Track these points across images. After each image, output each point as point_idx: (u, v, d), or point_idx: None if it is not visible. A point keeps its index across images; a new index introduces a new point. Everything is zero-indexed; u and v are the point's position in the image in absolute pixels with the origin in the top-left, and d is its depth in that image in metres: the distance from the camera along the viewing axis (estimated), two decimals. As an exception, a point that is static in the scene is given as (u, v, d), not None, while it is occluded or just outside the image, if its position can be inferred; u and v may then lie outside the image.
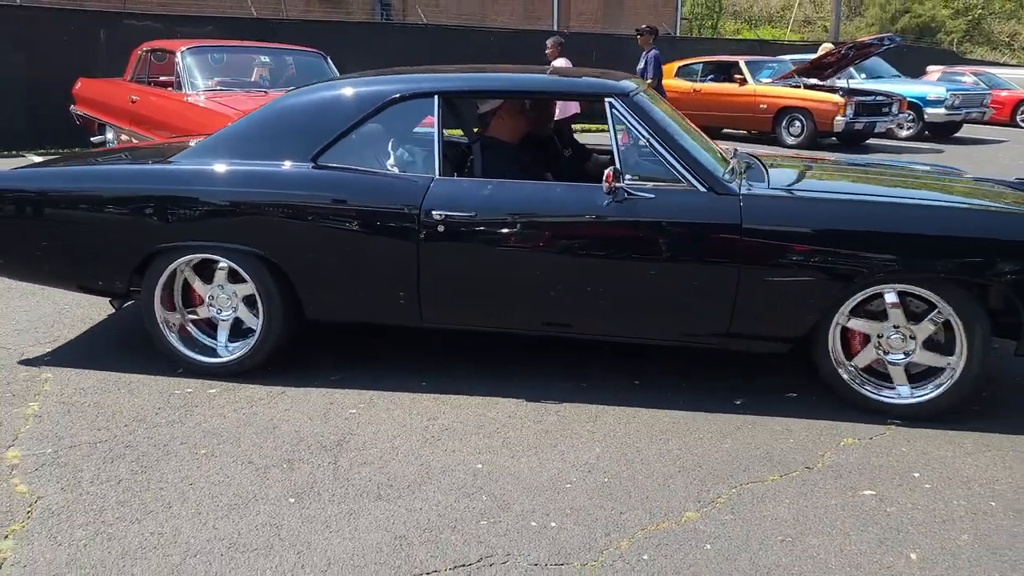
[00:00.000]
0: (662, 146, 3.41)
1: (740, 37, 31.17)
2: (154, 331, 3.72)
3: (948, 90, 14.87)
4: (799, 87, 13.27)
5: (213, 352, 3.73)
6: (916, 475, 2.94)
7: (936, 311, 3.24)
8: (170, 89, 7.65)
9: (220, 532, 2.53)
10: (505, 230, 3.43)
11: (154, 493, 2.74)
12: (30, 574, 2.31)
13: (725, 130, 14.58)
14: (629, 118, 3.45)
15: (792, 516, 2.67)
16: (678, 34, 24.81)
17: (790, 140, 13.07)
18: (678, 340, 3.57)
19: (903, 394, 3.36)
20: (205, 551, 2.43)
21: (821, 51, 13.47)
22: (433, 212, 3.41)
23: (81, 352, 3.95)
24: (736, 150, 4.32)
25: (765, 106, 13.37)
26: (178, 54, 7.60)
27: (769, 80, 13.82)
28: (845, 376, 3.39)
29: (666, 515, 2.66)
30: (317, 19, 16.62)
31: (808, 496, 2.79)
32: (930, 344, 3.32)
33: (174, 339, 3.71)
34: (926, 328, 3.28)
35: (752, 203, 3.32)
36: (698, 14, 35.49)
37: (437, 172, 3.51)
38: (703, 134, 4.09)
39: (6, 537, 2.48)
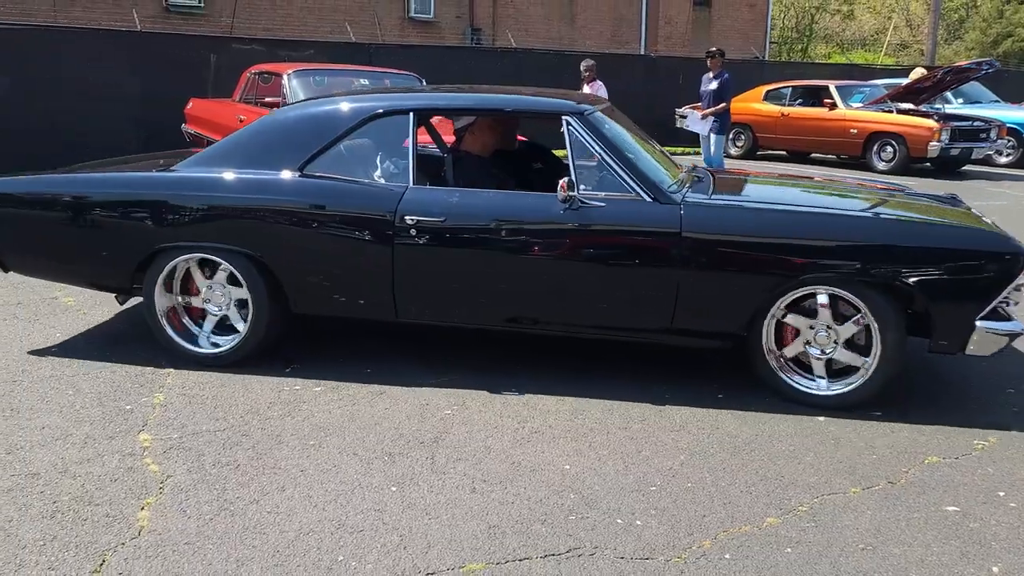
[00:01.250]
0: (612, 160, 3.74)
1: (831, 61, 30.68)
2: (154, 323, 4.08)
3: (1050, 116, 14.35)
4: (891, 112, 13.04)
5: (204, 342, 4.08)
6: (1001, 494, 2.96)
7: (860, 315, 3.54)
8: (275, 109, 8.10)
9: (329, 514, 2.75)
10: (470, 234, 3.76)
11: (269, 477, 2.99)
12: (165, 541, 2.57)
13: (813, 154, 14.43)
14: (584, 134, 3.78)
15: (874, 526, 2.73)
16: (767, 58, 24.61)
17: (881, 165, 12.82)
18: (628, 335, 3.85)
19: (822, 387, 3.67)
20: (317, 530, 2.65)
21: (913, 76, 13.23)
22: (406, 217, 3.73)
23: (198, 350, 4.27)
24: (694, 166, 4.64)
25: (855, 131, 13.15)
26: (284, 76, 8.07)
27: (860, 104, 13.62)
28: (773, 364, 3.70)
29: (748, 519, 2.77)
30: (411, 43, 17.22)
31: (890, 509, 2.85)
32: (850, 345, 3.63)
33: (171, 330, 4.05)
34: (848, 329, 3.58)
35: (691, 211, 3.63)
36: (788, 38, 35.10)
37: (411, 181, 3.83)
38: (660, 149, 4.46)
39: (143, 508, 2.76)
